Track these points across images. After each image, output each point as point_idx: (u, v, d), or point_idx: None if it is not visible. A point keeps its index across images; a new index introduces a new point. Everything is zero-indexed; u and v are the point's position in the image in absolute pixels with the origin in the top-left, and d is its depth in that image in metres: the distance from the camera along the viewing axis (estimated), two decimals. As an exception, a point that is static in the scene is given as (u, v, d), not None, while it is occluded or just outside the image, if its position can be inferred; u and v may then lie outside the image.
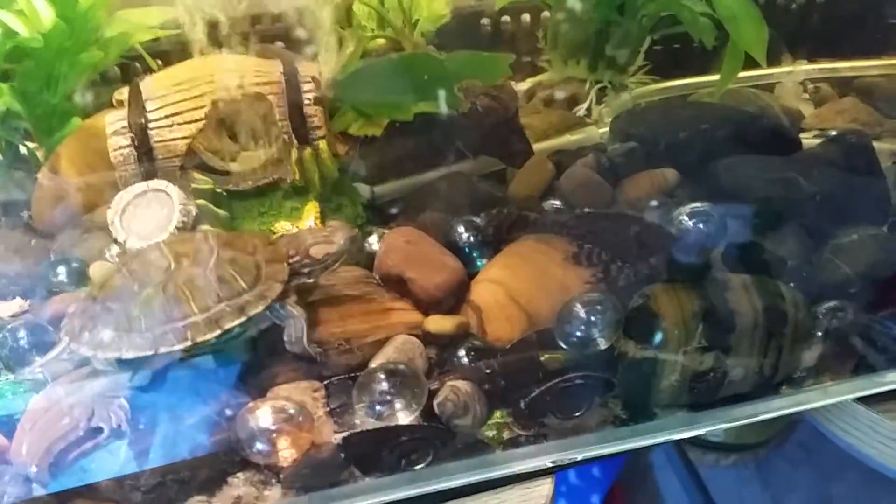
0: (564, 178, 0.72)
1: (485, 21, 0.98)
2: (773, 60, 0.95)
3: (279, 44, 0.79)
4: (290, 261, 0.59)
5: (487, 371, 0.57)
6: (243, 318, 0.55)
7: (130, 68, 0.88)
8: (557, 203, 0.71)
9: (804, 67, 0.90)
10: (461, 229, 0.67)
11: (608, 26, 0.88)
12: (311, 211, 0.68)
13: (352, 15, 0.77)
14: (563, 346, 0.59)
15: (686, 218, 0.66)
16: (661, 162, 0.72)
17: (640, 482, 1.06)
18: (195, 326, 0.54)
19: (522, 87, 0.96)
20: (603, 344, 0.59)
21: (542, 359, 0.58)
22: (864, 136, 0.70)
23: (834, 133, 0.72)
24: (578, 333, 0.59)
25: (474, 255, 0.67)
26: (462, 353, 0.60)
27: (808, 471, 0.97)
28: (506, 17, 0.98)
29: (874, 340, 0.62)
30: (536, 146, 0.82)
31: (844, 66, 0.90)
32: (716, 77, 0.89)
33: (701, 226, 0.65)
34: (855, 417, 0.68)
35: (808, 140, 0.76)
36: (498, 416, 0.59)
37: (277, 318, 0.57)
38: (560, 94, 0.92)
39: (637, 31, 0.88)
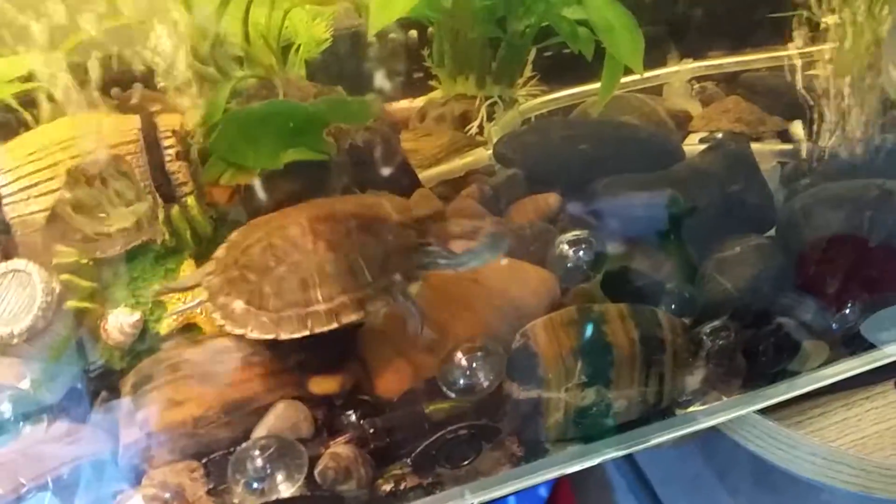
0: (450, 211, 0.70)
1: (372, 39, 0.96)
2: (660, 60, 0.96)
3: (138, 85, 0.75)
4: (426, 248, 0.56)
5: (371, 430, 0.57)
6: (361, 314, 0.53)
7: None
8: (444, 237, 0.70)
9: (690, 66, 0.90)
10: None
11: (491, 41, 0.87)
12: (186, 270, 0.66)
13: (220, 54, 0.74)
14: (450, 395, 0.59)
15: (567, 246, 0.65)
16: (544, 186, 0.72)
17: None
18: (316, 316, 0.53)
19: (416, 105, 0.95)
20: (487, 388, 0.59)
21: (427, 410, 0.58)
22: (742, 141, 0.70)
23: (710, 142, 0.72)
24: (462, 381, 0.58)
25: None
26: (351, 411, 0.60)
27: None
28: (393, 35, 0.95)
29: (759, 355, 0.63)
30: (427, 173, 0.80)
31: (730, 62, 0.90)
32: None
33: (581, 254, 0.65)
34: (754, 426, 0.69)
35: (691, 147, 0.77)
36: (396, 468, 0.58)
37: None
38: (451, 113, 0.90)
39: (520, 43, 0.87)
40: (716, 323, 0.63)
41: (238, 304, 0.54)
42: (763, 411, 0.68)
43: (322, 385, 0.59)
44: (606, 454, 0.61)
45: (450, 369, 0.58)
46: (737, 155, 0.69)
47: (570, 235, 0.66)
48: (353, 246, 0.55)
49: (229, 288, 0.55)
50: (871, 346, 0.68)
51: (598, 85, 0.87)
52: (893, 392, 0.68)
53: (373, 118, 0.67)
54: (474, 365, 0.58)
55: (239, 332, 0.54)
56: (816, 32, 0.77)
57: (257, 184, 0.70)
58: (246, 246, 0.57)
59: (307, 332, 0.53)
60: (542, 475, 0.59)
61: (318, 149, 0.64)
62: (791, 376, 0.64)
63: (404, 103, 1.00)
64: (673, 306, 0.63)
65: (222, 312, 0.55)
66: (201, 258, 0.68)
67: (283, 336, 0.54)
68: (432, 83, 0.92)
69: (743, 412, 0.63)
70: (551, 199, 0.71)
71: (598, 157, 0.72)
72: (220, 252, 0.59)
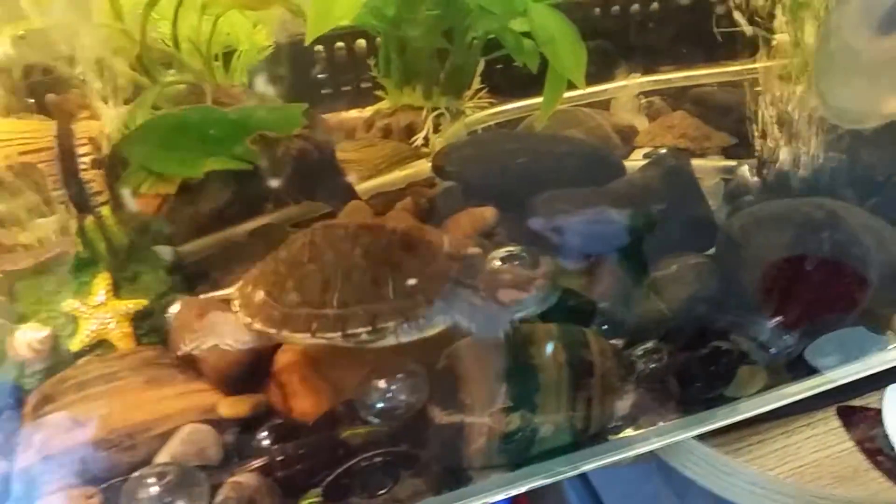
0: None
1: (319, 48, 0.93)
2: (608, 74, 0.95)
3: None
4: (466, 286, 0.53)
5: (280, 457, 0.54)
6: (369, 328, 0.51)
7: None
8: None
9: (638, 80, 0.89)
10: (265, 292, 0.63)
11: (439, 51, 0.85)
12: (101, 284, 0.63)
13: (148, 58, 0.71)
14: (369, 419, 0.56)
15: (499, 263, 0.63)
16: (481, 200, 0.69)
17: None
18: (323, 320, 0.52)
19: (364, 115, 0.93)
20: (408, 412, 0.56)
21: (342, 436, 0.56)
22: (682, 157, 0.68)
23: (650, 158, 0.70)
24: (381, 404, 0.56)
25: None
26: (264, 435, 0.57)
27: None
28: (340, 44, 0.93)
29: (693, 379, 0.61)
30: (366, 184, 0.78)
31: (680, 77, 0.89)
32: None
33: (513, 271, 0.63)
34: (691, 452, 0.67)
35: (635, 162, 0.75)
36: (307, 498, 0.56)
37: None
38: (398, 123, 0.88)
39: (467, 55, 0.85)
40: (648, 345, 0.61)
41: (259, 294, 0.54)
42: (701, 437, 0.66)
43: (232, 407, 0.56)
44: (533, 481, 0.58)
45: (368, 392, 0.55)
46: (676, 171, 0.67)
47: (502, 251, 0.63)
48: (388, 261, 0.53)
49: (261, 278, 0.54)
50: (813, 372, 0.66)
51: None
52: (835, 419, 0.67)
53: (299, 126, 0.64)
54: (394, 387, 0.55)
55: (246, 320, 0.54)
56: (768, 48, 0.77)
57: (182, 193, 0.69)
58: (293, 240, 0.56)
59: (308, 335, 0.52)
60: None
61: (240, 157, 0.61)
62: (728, 402, 0.62)
63: (354, 113, 0.98)
64: (605, 327, 0.61)
65: (243, 300, 0.54)
66: (118, 271, 0.66)
67: (285, 333, 0.52)
68: (379, 93, 0.90)
69: (678, 438, 0.61)
70: (487, 213, 0.68)
71: (537, 172, 0.70)
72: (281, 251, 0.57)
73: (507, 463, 0.57)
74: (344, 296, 0.52)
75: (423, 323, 0.53)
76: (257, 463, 0.53)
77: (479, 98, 0.90)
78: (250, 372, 0.58)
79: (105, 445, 0.53)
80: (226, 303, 0.58)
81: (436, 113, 0.88)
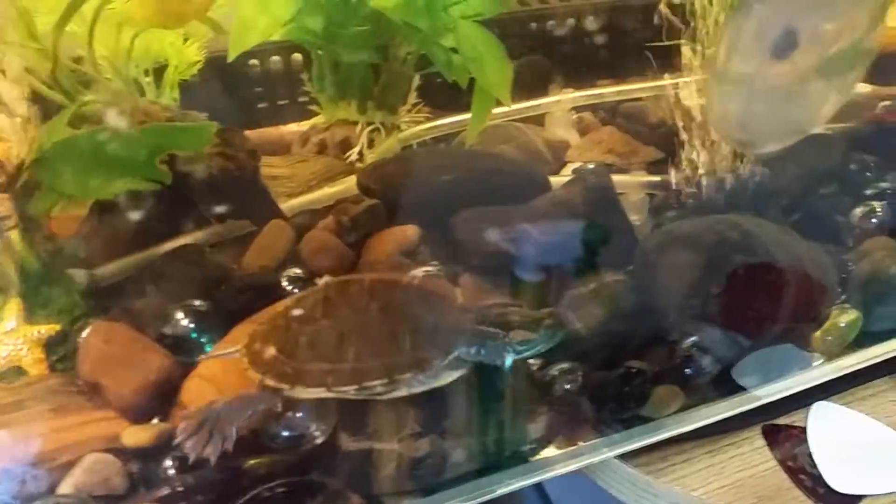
0: (304, 242, 0.67)
1: (254, 62, 0.92)
2: (543, 89, 0.94)
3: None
4: (483, 332, 0.53)
5: (180, 488, 0.53)
6: (385, 381, 0.51)
7: None
8: (299, 272, 0.67)
9: (571, 95, 0.89)
10: (179, 316, 0.62)
11: (374, 66, 0.84)
12: (11, 310, 0.61)
13: (64, 77, 0.70)
14: (273, 447, 0.55)
15: (418, 285, 0.62)
16: (405, 218, 0.69)
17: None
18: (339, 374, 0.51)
19: (300, 130, 0.92)
20: (316, 439, 0.55)
21: (246, 465, 0.54)
22: (602, 174, 0.68)
23: (572, 175, 0.70)
24: (285, 433, 0.55)
25: (199, 344, 0.62)
26: (169, 464, 0.55)
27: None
28: (276, 57, 0.92)
29: (608, 399, 0.60)
30: (296, 201, 0.77)
31: (611, 91, 0.89)
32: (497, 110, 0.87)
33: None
34: (615, 471, 0.66)
35: (563, 178, 0.74)
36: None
37: None
38: (332, 139, 0.87)
39: (401, 69, 0.85)
40: (563, 365, 0.60)
41: (270, 351, 0.53)
42: (624, 457, 0.65)
43: (134, 436, 0.55)
44: (448, 507, 0.58)
45: (272, 419, 0.54)
46: (597, 188, 0.67)
47: (420, 272, 0.63)
48: (403, 314, 0.54)
49: (271, 335, 0.54)
50: (736, 390, 0.66)
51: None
52: (760, 438, 0.66)
53: (209, 145, 0.63)
54: (298, 414, 0.54)
55: (257, 376, 0.52)
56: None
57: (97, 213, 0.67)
58: (304, 297, 0.57)
59: (324, 390, 0.51)
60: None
61: (150, 177, 0.60)
62: (646, 421, 0.62)
63: (294, 127, 0.97)
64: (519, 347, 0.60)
65: (252, 357, 0.53)
66: (30, 295, 0.64)
67: (299, 390, 0.52)
68: (314, 108, 0.89)
69: (595, 459, 0.61)
70: (410, 231, 0.68)
71: (462, 189, 0.69)
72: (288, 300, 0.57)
73: (420, 489, 0.57)
74: (359, 349, 0.52)
75: (436, 374, 0.53)
76: (161, 493, 0.52)
77: (417, 112, 0.90)
78: (158, 399, 0.57)
79: (6, 476, 0.52)
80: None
81: (371, 128, 0.87)
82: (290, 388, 0.52)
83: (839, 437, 0.65)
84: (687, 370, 0.60)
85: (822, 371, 0.65)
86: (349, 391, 0.52)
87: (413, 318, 0.54)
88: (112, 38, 0.69)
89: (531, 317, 0.55)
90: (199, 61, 0.84)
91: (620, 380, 0.59)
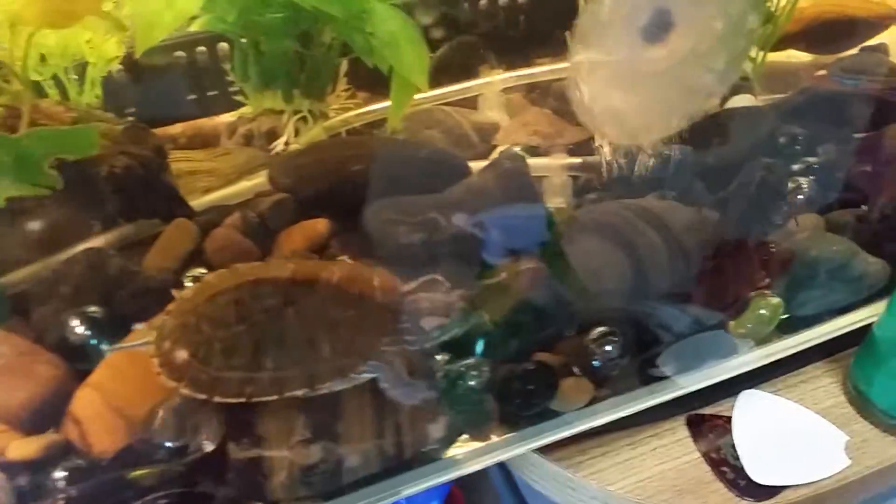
0: (208, 241, 0.65)
1: (180, 53, 0.90)
2: (475, 70, 0.91)
3: None
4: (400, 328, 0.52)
5: (63, 500, 0.51)
6: (307, 390, 0.49)
7: None
8: (203, 271, 0.65)
9: (502, 76, 0.85)
10: (74, 323, 0.60)
11: (299, 54, 0.82)
12: None
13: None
14: (161, 458, 0.54)
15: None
16: (316, 211, 0.66)
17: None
18: (258, 384, 0.49)
19: (227, 120, 0.89)
20: (203, 448, 0.54)
21: (132, 476, 0.53)
22: (517, 159, 0.65)
23: (490, 159, 0.67)
24: (170, 443, 0.53)
25: (96, 351, 0.60)
26: (56, 476, 0.54)
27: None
28: (202, 48, 0.90)
29: (515, 394, 0.58)
30: (210, 197, 0.75)
31: (545, 71, 0.85)
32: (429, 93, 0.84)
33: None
34: (535, 466, 0.64)
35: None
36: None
37: None
38: (259, 129, 0.85)
39: (326, 56, 0.82)
40: (470, 360, 0.58)
41: (182, 354, 0.50)
42: (544, 451, 0.63)
43: (20, 449, 0.53)
44: (351, 512, 0.56)
45: (158, 429, 0.53)
46: (511, 174, 0.64)
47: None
48: (323, 318, 0.51)
49: (179, 334, 0.51)
50: (656, 380, 0.63)
51: (420, 95, 0.82)
52: (684, 429, 0.64)
53: (95, 149, 0.61)
54: (182, 423, 0.53)
55: (172, 383, 0.50)
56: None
57: None
58: (214, 293, 0.53)
59: (244, 399, 0.49)
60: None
61: (38, 183, 0.58)
62: (556, 415, 0.59)
63: (228, 117, 0.94)
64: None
65: (162, 358, 0.50)
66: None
67: (217, 399, 0.49)
68: (240, 98, 0.86)
69: (505, 456, 0.59)
70: (320, 225, 0.65)
71: (376, 179, 0.67)
72: (187, 292, 0.54)
73: (317, 495, 0.55)
74: (279, 358, 0.50)
75: (355, 378, 0.51)
76: (43, 506, 0.51)
77: (348, 99, 0.87)
78: (50, 410, 0.55)
79: None
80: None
81: (297, 116, 0.85)
82: (208, 398, 0.49)
83: (765, 426, 0.63)
84: (595, 362, 0.57)
85: (745, 359, 0.63)
86: (272, 401, 0.50)
87: (332, 320, 0.51)
88: (5, 39, 0.67)
89: (441, 301, 0.53)
90: (117, 57, 0.83)
91: (528, 374, 0.57)
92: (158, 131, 0.86)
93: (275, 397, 0.50)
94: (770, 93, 0.84)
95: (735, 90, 0.80)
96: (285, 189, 0.68)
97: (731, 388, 0.66)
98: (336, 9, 0.73)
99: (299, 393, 0.50)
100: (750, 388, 0.65)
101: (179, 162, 0.80)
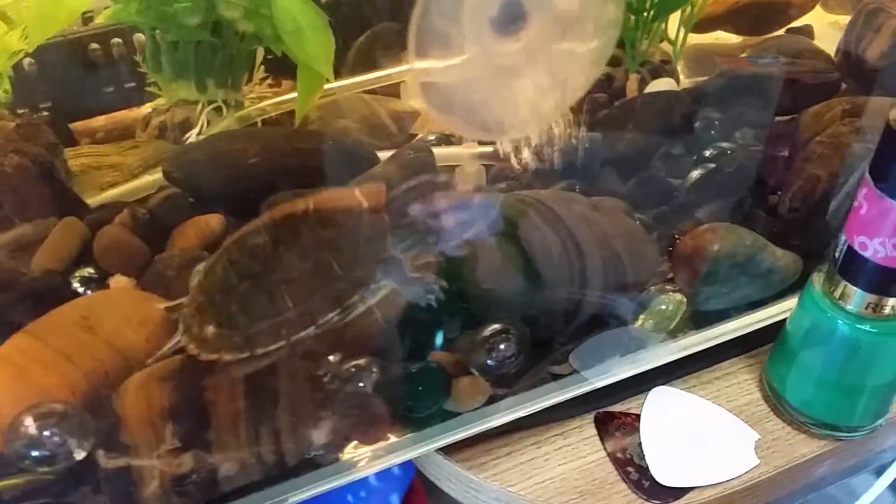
0: (96, 240, 0.62)
1: (95, 46, 0.87)
2: (398, 57, 0.88)
3: None
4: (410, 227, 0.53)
5: (-85, 518, 0.49)
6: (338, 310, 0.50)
7: None
8: (91, 271, 0.62)
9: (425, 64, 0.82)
10: (-51, 327, 0.58)
11: (207, 44, 0.79)
12: None
13: None
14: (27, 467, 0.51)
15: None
16: (212, 207, 0.64)
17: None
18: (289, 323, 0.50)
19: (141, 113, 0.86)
20: (71, 458, 0.51)
21: (-5, 487, 0.51)
22: (424, 148, 0.62)
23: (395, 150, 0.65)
24: (36, 453, 0.51)
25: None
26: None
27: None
28: (117, 39, 0.86)
29: (407, 394, 0.56)
30: (109, 193, 0.71)
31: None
32: (358, 78, 0.81)
33: (219, 287, 0.58)
34: (440, 467, 0.62)
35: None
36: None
37: None
38: (172, 120, 0.82)
39: (239, 45, 0.79)
40: (360, 361, 0.56)
41: (209, 329, 0.50)
42: (447, 451, 0.61)
43: None
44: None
45: (16, 438, 0.50)
46: (416, 163, 0.61)
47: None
48: (319, 242, 0.52)
49: (200, 316, 0.51)
50: (562, 377, 0.61)
51: (338, 83, 0.79)
52: (591, 427, 0.62)
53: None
54: (46, 432, 0.50)
55: (214, 357, 0.50)
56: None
57: None
58: (209, 269, 0.54)
59: (283, 343, 0.49)
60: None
61: None
62: (453, 416, 0.57)
63: (147, 109, 0.91)
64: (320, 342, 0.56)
65: (196, 343, 0.50)
66: None
67: (260, 351, 0.49)
68: (152, 89, 0.84)
69: (402, 458, 0.56)
70: (213, 221, 0.62)
71: (275, 172, 0.64)
72: (193, 282, 0.54)
73: (195, 504, 0.53)
74: (296, 293, 0.50)
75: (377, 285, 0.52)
76: None
77: (267, 88, 0.84)
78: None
79: None
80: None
81: (212, 106, 0.82)
82: (251, 355, 0.49)
83: (674, 425, 0.60)
84: (489, 361, 0.55)
85: (652, 354, 0.60)
86: (310, 334, 0.50)
87: (329, 242, 0.52)
88: None
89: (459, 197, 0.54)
90: (21, 51, 0.80)
91: (416, 374, 0.55)
92: (78, 125, 0.84)
93: (311, 329, 0.50)
94: (697, 76, 0.81)
95: (656, 73, 0.78)
96: (180, 183, 0.65)
97: (644, 383, 0.64)
98: (239, -4, 0.71)
99: (335, 317, 0.50)
100: (663, 384, 0.63)
101: (84, 157, 0.78)
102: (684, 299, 0.60)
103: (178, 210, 0.65)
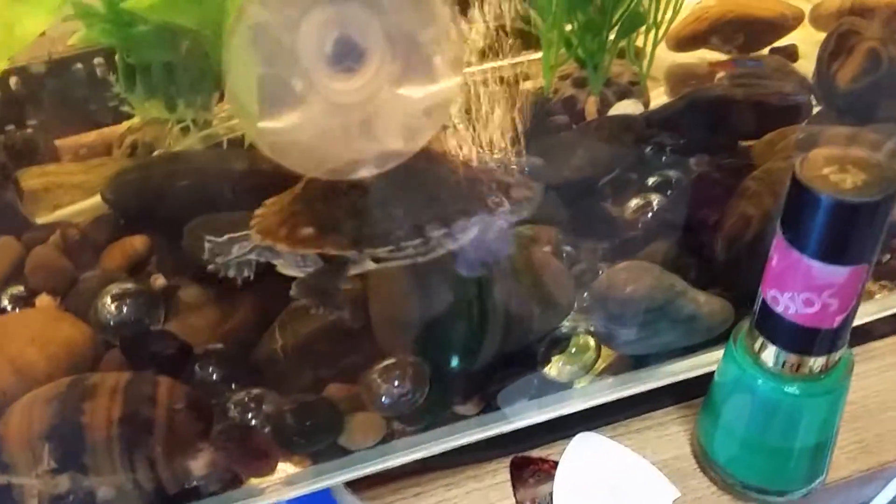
0: (28, 259, 0.63)
1: (78, 66, 0.90)
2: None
3: None
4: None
5: None
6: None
7: None
8: (21, 289, 0.63)
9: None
10: None
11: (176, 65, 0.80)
12: None
13: None
14: None
15: (110, 301, 0.57)
16: (142, 228, 0.64)
17: None
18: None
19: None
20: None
21: None
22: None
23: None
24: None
25: None
26: None
27: None
28: (99, 59, 0.89)
29: (296, 428, 0.53)
30: (61, 212, 0.73)
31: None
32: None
33: (125, 310, 0.57)
34: (348, 502, 0.60)
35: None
36: None
37: None
38: (144, 139, 0.83)
39: (205, 65, 0.80)
40: (254, 392, 0.54)
41: (306, 230, 0.51)
42: (356, 489, 0.59)
43: None
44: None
45: None
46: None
47: (116, 287, 0.58)
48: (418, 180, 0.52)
49: (293, 220, 0.52)
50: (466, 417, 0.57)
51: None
52: (506, 471, 0.58)
53: None
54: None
55: (314, 251, 0.50)
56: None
57: None
58: (300, 193, 0.53)
59: (392, 248, 0.49)
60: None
61: None
62: (348, 452, 0.55)
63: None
64: (212, 371, 0.55)
65: (289, 241, 0.51)
66: None
67: (367, 251, 0.49)
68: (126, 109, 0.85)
69: (298, 493, 0.54)
70: (137, 242, 0.63)
71: (203, 194, 0.64)
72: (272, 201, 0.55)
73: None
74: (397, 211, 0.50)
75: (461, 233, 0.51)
76: None
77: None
78: None
79: None
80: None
81: (180, 126, 0.83)
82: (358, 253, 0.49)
83: (591, 475, 0.56)
84: (384, 398, 0.52)
85: (563, 400, 0.56)
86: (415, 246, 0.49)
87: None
88: None
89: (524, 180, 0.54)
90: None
91: (306, 408, 0.53)
92: (62, 142, 0.87)
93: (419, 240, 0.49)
94: (674, 95, 0.76)
95: (622, 95, 0.74)
96: (113, 205, 0.66)
97: (570, 427, 0.60)
98: (190, 21, 0.71)
99: (439, 233, 0.49)
100: (589, 429, 0.59)
101: (51, 175, 0.80)
102: (596, 342, 0.56)
103: (108, 231, 0.65)
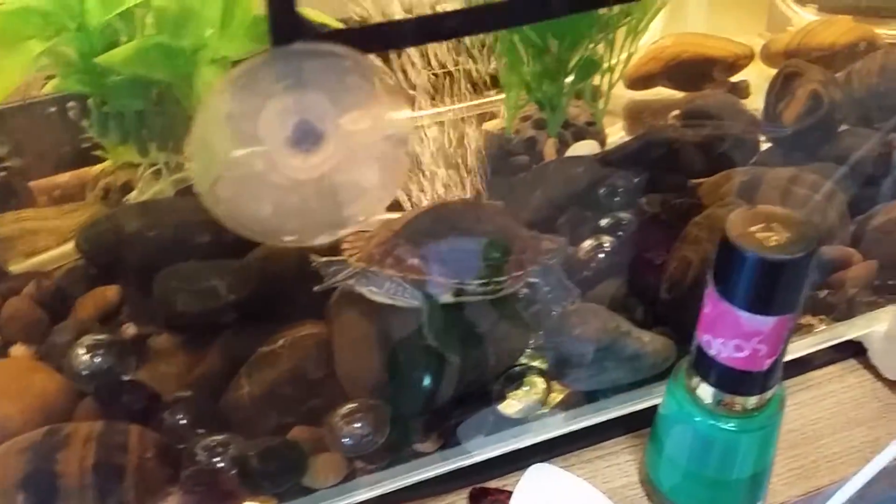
0: (3, 310, 0.65)
1: (52, 110, 0.92)
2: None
3: None
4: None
5: None
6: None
7: None
8: (-3, 340, 0.66)
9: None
10: None
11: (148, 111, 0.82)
12: None
13: None
14: None
15: (83, 352, 0.59)
16: (112, 278, 0.66)
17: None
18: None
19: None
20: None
21: None
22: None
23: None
24: None
25: None
26: None
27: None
28: (72, 103, 0.91)
29: (261, 472, 0.56)
30: (35, 259, 0.75)
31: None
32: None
33: (98, 360, 0.59)
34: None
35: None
36: None
37: None
38: (116, 183, 0.86)
39: (176, 110, 0.82)
40: (219, 437, 0.56)
41: (413, 260, 0.56)
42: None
43: None
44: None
45: None
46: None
47: (89, 338, 0.60)
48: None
49: (401, 251, 0.57)
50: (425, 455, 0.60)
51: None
52: (464, 502, 0.60)
53: None
54: None
55: (419, 277, 0.56)
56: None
57: None
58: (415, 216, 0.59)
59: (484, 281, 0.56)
60: None
61: None
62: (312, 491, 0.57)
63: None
64: (181, 418, 0.57)
65: (398, 267, 0.56)
66: None
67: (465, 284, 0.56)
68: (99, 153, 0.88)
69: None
70: (109, 292, 0.65)
71: (175, 244, 0.66)
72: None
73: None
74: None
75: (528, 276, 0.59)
76: None
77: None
78: None
79: None
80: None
81: (152, 169, 0.85)
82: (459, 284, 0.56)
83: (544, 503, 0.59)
84: (345, 439, 0.55)
85: (518, 434, 0.59)
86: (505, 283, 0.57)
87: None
88: None
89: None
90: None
91: (270, 451, 0.55)
92: (38, 183, 0.89)
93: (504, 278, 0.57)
94: (631, 131, 0.80)
95: (579, 135, 0.77)
96: (86, 255, 0.68)
97: (526, 458, 0.62)
98: (162, 73, 0.74)
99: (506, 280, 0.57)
100: (543, 460, 0.62)
101: (28, 220, 0.82)
102: (547, 381, 0.58)
103: (79, 281, 0.67)
